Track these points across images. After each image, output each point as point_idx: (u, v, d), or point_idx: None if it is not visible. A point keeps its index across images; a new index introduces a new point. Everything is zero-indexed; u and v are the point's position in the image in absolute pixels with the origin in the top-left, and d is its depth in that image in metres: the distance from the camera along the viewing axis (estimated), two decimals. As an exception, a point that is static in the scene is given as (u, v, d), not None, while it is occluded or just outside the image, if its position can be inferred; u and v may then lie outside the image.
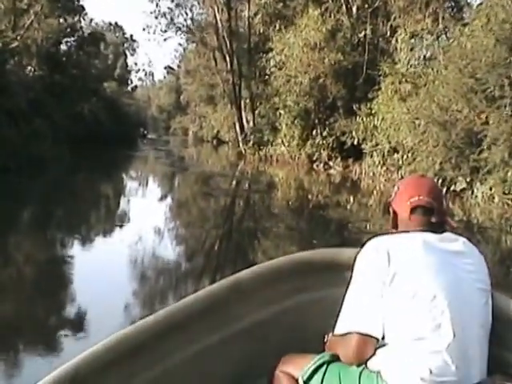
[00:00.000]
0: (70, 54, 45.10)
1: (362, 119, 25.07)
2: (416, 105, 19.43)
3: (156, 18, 40.07)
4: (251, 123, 37.69)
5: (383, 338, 2.05)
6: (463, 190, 17.16)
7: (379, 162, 22.81)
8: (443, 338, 1.98)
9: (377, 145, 23.44)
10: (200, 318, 2.49)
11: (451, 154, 17.13)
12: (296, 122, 30.25)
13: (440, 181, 17.75)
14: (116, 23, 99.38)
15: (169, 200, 18.64)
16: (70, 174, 22.93)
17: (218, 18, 37.33)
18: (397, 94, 22.35)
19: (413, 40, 22.23)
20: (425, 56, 22.44)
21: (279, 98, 31.50)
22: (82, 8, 47.24)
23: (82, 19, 46.45)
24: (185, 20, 40.71)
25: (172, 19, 40.18)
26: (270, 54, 31.40)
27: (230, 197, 18.49)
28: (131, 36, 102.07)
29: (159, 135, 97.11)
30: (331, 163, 27.83)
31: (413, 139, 19.41)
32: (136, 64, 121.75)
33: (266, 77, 33.08)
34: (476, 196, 16.54)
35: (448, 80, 17.87)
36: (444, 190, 17.32)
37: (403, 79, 22.18)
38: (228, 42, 37.57)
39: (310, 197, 19.23)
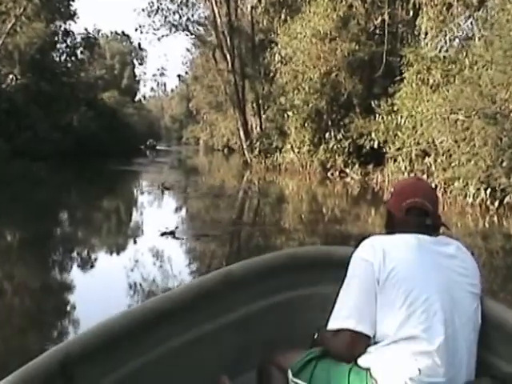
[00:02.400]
0: (59, 60, 41.63)
1: (383, 118, 22.23)
2: (454, 94, 15.46)
3: (149, 15, 36.24)
4: (258, 128, 35.21)
5: (374, 337, 2.11)
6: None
7: (405, 168, 19.26)
8: (434, 338, 2.03)
9: (401, 148, 20.01)
10: (191, 308, 2.51)
11: (503, 156, 13.22)
12: (306, 124, 27.37)
13: (488, 191, 13.86)
14: (123, 32, 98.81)
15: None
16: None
17: (216, 12, 33.63)
18: (425, 85, 18.47)
19: (442, 17, 18.27)
20: (456, 37, 18.42)
21: (286, 98, 28.73)
22: (73, 13, 43.72)
23: (70, 23, 42.53)
24: (180, 17, 36.83)
25: (166, 17, 36.29)
26: (275, 49, 28.49)
27: (241, 204, 18.06)
28: (139, 45, 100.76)
29: (169, 145, 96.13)
30: (348, 171, 25.20)
31: (450, 138, 15.45)
32: (145, 73, 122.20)
33: (272, 75, 30.15)
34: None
35: (494, 61, 13.92)
36: (496, 203, 13.44)
37: (433, 66, 18.24)
38: (228, 39, 34.23)
39: (324, 210, 17.39)
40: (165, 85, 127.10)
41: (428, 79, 18.86)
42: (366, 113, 24.47)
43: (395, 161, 20.69)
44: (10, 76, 34.88)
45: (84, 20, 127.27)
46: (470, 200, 14.74)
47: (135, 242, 11.66)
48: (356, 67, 25.66)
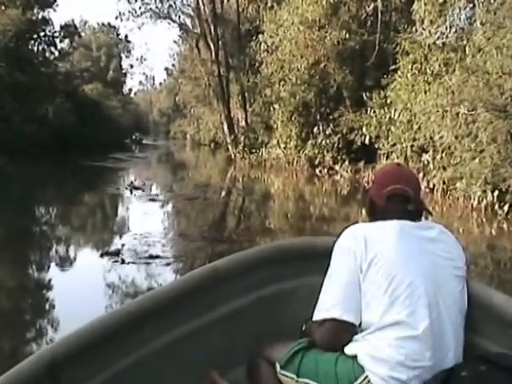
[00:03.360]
0: (37, 50, 39.85)
1: (375, 111, 20.90)
2: (456, 84, 13.84)
3: (129, 1, 34.43)
4: (243, 123, 33.87)
5: (360, 324, 2.13)
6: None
7: None
8: (419, 323, 2.05)
9: (395, 144, 18.59)
10: (178, 304, 2.52)
11: (514, 153, 11.59)
12: (293, 118, 26.16)
13: (496, 193, 12.29)
14: (109, 23, 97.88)
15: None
16: None
17: (200, -1, 31.87)
18: (422, 75, 16.87)
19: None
20: (457, 22, 16.79)
21: (271, 90, 27.36)
22: (53, 0, 41.99)
23: (49, 11, 40.80)
24: (161, 3, 35.01)
25: (147, 3, 34.48)
26: (261, 38, 27.10)
27: (219, 210, 15.91)
28: (126, 37, 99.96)
29: (155, 140, 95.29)
30: (337, 168, 23.84)
31: (451, 133, 13.85)
32: (132, 66, 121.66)
33: (257, 65, 28.62)
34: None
35: (503, 46, 12.28)
36: (506, 207, 11.86)
37: (431, 54, 16.65)
38: (212, 28, 32.65)
39: (312, 209, 16.62)
40: (153, 78, 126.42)
41: (425, 68, 17.29)
42: (356, 106, 23.19)
43: (388, 157, 19.27)
44: (-19, 65, 33.15)
45: (71, 11, 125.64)
46: (474, 203, 13.10)
47: (63, 266, 8.87)
48: (346, 57, 24.41)
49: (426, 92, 16.57)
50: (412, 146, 17.12)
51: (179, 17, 36.43)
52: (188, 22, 37.91)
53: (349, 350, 2.12)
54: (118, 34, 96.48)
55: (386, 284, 2.07)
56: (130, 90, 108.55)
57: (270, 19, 26.32)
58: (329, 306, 2.16)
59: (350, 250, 2.17)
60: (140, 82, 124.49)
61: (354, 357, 2.08)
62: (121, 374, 2.24)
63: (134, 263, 8.17)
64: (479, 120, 12.75)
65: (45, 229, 12.63)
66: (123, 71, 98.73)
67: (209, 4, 32.07)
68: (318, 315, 2.20)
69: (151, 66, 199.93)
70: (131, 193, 17.24)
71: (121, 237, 10.77)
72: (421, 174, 16.04)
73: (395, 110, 19.06)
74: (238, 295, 2.77)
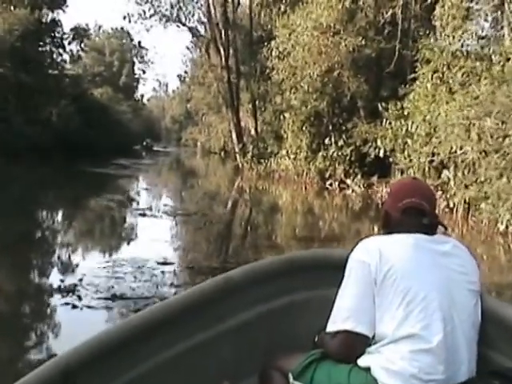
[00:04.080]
0: (44, 51, 38.90)
1: (390, 123, 20.01)
2: (483, 95, 12.60)
3: (139, 3, 33.52)
4: (253, 131, 32.92)
5: (374, 337, 2.14)
6: None
7: None
8: (433, 336, 2.06)
9: (412, 158, 17.61)
10: (191, 315, 2.55)
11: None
12: (304, 128, 25.19)
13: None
14: (122, 28, 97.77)
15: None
16: None
17: (211, 2, 30.85)
18: (444, 85, 15.65)
19: (466, 3, 15.43)
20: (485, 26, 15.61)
21: (282, 97, 26.46)
22: (64, 1, 41.16)
23: (59, 12, 39.94)
24: (171, 6, 34.03)
25: (158, 6, 33.58)
26: (273, 43, 26.03)
27: (223, 224, 14.90)
28: (139, 42, 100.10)
29: (165, 147, 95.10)
30: (349, 181, 22.81)
31: (476, 148, 12.60)
32: (144, 72, 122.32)
33: (268, 72, 27.61)
34: None
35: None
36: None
37: (454, 62, 15.46)
38: (223, 32, 31.61)
39: (321, 224, 15.78)
40: (167, 85, 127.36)
41: (448, 78, 16.08)
42: (371, 117, 22.40)
43: (404, 173, 18.44)
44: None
45: (86, 16, 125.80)
46: (501, 227, 11.79)
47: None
48: (362, 65, 23.40)
49: (447, 103, 15.40)
50: (431, 162, 15.95)
51: (189, 20, 35.37)
52: (198, 26, 36.93)
53: (362, 361, 2.13)
54: (131, 39, 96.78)
55: (400, 297, 2.07)
56: (142, 95, 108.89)
57: (283, 24, 25.37)
58: (343, 317, 2.17)
59: (364, 262, 2.17)
60: (153, 89, 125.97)
61: (368, 369, 2.09)
62: (134, 383, 2.26)
63: (89, 307, 5.98)
64: (510, 134, 11.46)
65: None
66: (136, 76, 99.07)
67: (220, 8, 31.08)
68: (332, 327, 2.21)
69: (165, 72, 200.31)
70: (121, 206, 15.79)
71: (86, 264, 8.41)
72: (439, 192, 14.90)
73: (413, 122, 18.16)
74: (251, 306, 2.77)
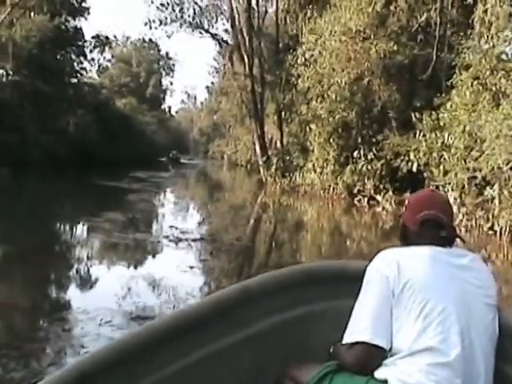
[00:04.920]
0: (64, 59, 38.07)
1: (425, 135, 19.15)
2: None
3: (161, 9, 32.54)
4: (278, 143, 32.09)
5: (391, 349, 2.14)
6: None
7: (455, 200, 15.17)
8: (451, 350, 2.05)
9: (447, 173, 16.57)
10: (207, 323, 2.54)
11: None
12: (331, 140, 24.06)
13: None
14: (150, 39, 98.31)
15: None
16: None
17: (234, 7, 29.75)
18: (487, 91, 14.17)
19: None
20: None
21: (308, 107, 25.01)
22: (86, 9, 40.44)
23: (80, 19, 39.12)
24: (194, 12, 33.03)
25: (180, 10, 32.57)
26: (299, 50, 25.10)
27: (247, 239, 13.99)
28: (167, 54, 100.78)
29: (191, 159, 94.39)
30: (379, 198, 21.56)
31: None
32: (172, 83, 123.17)
33: (293, 80, 26.55)
34: None
35: None
36: None
37: (499, 66, 13.97)
38: (247, 39, 30.44)
39: (349, 243, 14.90)
40: (195, 97, 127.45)
41: (491, 84, 14.62)
42: (403, 128, 21.50)
43: (438, 189, 16.84)
44: (0, 71, 31.39)
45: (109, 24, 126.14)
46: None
47: None
48: (393, 73, 22.52)
49: (491, 112, 13.97)
50: (472, 178, 14.44)
51: (212, 27, 34.27)
52: (223, 33, 35.81)
53: (379, 374, 2.11)
54: (159, 50, 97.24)
55: (418, 309, 2.08)
56: (170, 107, 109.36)
57: (310, 29, 24.39)
58: (360, 329, 2.16)
59: (382, 274, 2.17)
60: (182, 101, 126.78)
61: (385, 381, 2.08)
62: None
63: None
64: None
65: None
66: (163, 88, 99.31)
67: (244, 13, 29.90)
68: (349, 338, 2.19)
69: (194, 84, 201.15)
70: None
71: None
72: (481, 212, 13.36)
73: (450, 134, 17.16)
74: (267, 316, 2.75)
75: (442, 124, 18.41)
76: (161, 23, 32.86)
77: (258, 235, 16.45)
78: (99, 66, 44.02)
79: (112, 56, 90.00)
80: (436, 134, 18.35)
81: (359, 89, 22.48)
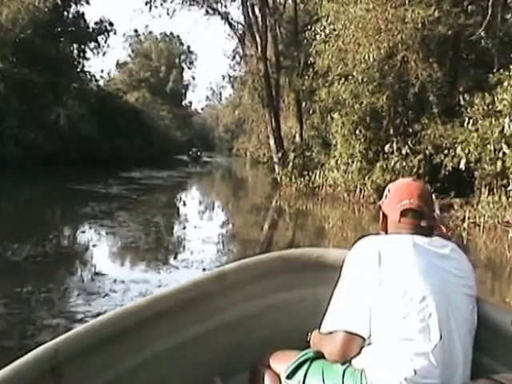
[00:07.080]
0: (62, 46, 35.27)
1: (476, 123, 16.66)
2: None
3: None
4: (297, 137, 28.62)
5: (369, 337, 2.13)
6: None
7: None
8: (430, 339, 2.07)
9: (508, 169, 14.47)
10: (184, 308, 2.56)
11: None
12: (358, 131, 20.93)
13: None
14: (171, 33, 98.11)
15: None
16: None
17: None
18: None
19: None
20: None
21: (328, 91, 21.49)
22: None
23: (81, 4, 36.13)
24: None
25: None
26: (318, 25, 22.03)
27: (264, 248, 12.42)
28: (188, 48, 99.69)
29: (211, 156, 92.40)
30: None
31: None
32: (194, 78, 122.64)
33: (312, 60, 22.84)
34: None
35: None
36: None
37: None
38: (260, 16, 27.25)
39: None
40: (220, 93, 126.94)
41: None
42: (447, 116, 18.67)
43: (492, 191, 15.57)
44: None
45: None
46: None
47: None
48: (434, 47, 19.48)
49: None
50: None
51: (221, 4, 30.98)
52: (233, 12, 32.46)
53: (357, 362, 2.13)
54: (181, 44, 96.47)
55: (397, 298, 2.09)
56: (191, 102, 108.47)
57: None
58: (339, 317, 2.19)
59: (363, 262, 2.20)
60: (207, 97, 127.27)
61: (362, 370, 2.10)
62: (124, 374, 2.27)
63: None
64: None
65: None
66: (184, 83, 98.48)
67: (256, -13, 26.76)
68: (328, 326, 2.23)
69: (218, 81, 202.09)
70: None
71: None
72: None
73: (511, 121, 14.62)
74: (245, 302, 2.79)
75: (499, 108, 15.92)
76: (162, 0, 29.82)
77: (274, 242, 13.96)
78: (104, 54, 41.01)
79: (132, 51, 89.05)
80: (491, 122, 15.92)
81: (391, 67, 19.30)
